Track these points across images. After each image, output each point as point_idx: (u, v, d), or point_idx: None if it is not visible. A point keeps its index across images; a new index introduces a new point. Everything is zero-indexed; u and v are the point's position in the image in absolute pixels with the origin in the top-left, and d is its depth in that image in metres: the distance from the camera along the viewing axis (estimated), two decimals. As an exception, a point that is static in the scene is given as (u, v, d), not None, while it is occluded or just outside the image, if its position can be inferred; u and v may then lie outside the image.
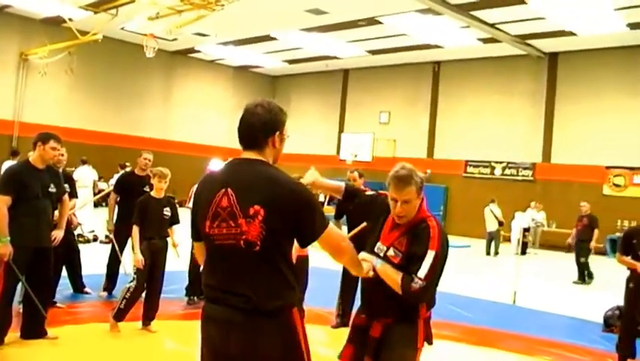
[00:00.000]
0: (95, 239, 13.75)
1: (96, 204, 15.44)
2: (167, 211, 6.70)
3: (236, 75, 31.48)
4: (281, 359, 2.69)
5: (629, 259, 6.38)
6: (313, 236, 2.74)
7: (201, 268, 2.91)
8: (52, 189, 5.84)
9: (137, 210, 6.57)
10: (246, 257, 2.65)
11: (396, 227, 3.37)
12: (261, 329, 2.65)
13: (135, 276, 6.43)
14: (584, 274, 13.70)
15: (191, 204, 7.76)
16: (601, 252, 19.52)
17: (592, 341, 7.77)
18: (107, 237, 13.58)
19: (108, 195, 9.04)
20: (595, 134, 21.64)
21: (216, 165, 25.63)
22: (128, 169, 16.83)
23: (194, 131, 29.32)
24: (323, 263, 3.65)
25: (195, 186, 7.71)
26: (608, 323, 8.26)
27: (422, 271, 3.17)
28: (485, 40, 21.78)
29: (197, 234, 2.86)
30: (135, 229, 6.50)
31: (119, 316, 6.41)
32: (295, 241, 2.77)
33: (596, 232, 13.63)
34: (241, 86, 31.68)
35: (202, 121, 29.72)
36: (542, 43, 21.79)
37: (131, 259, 6.53)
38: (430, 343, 3.44)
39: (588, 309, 9.72)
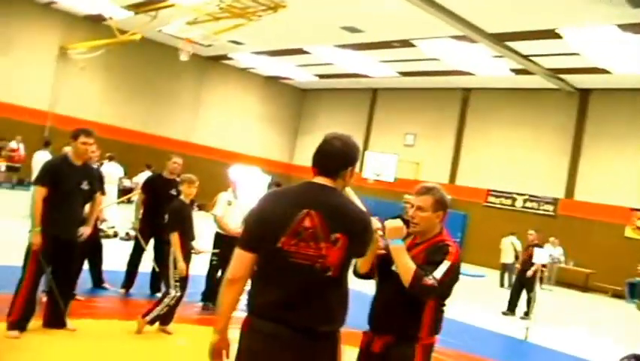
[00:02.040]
0: (116, 235, 13.92)
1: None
2: (193, 216, 6.83)
3: (266, 85, 31.73)
4: None
5: None
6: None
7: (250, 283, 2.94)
8: (85, 186, 6.00)
9: (175, 216, 6.57)
10: (318, 279, 2.77)
11: (416, 246, 3.46)
12: (314, 350, 2.78)
13: (178, 284, 6.46)
14: (514, 306, 12.55)
15: (218, 211, 7.95)
16: (619, 295, 19.40)
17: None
18: (127, 234, 13.82)
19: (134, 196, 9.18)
20: (622, 174, 21.46)
21: (237, 171, 25.73)
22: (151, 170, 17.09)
23: (219, 137, 29.58)
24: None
25: (225, 194, 7.86)
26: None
27: (437, 273, 3.24)
28: (517, 72, 21.79)
29: (252, 246, 2.88)
30: (176, 236, 6.45)
31: (154, 320, 6.48)
32: None
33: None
34: (270, 95, 31.95)
35: (228, 127, 29.96)
36: (575, 78, 21.75)
37: (172, 268, 6.49)
38: None
39: (600, 352, 9.65)
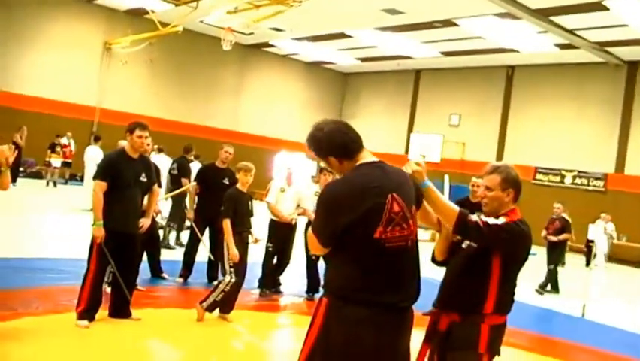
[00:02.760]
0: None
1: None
2: (250, 205, 6.91)
3: (308, 70, 31.77)
4: (409, 351, 3.00)
5: None
6: None
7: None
8: (144, 178, 6.16)
9: (228, 203, 6.62)
10: (411, 256, 2.91)
11: None
12: (406, 325, 2.95)
13: (232, 270, 6.52)
14: (554, 282, 12.24)
15: (271, 198, 8.05)
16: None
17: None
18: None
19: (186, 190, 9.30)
20: (673, 146, 21.00)
21: (284, 158, 25.84)
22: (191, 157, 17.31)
23: (263, 124, 29.74)
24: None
25: (277, 181, 7.95)
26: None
27: (487, 219, 3.25)
28: (562, 46, 21.39)
29: (333, 241, 2.92)
30: (227, 223, 6.52)
31: (212, 307, 6.57)
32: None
33: (565, 236, 12.33)
34: (312, 81, 31.98)
35: (271, 114, 30.12)
36: (622, 51, 21.25)
37: (226, 254, 6.55)
38: (495, 352, 3.36)
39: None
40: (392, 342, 2.89)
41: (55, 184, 20.83)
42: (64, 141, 21.58)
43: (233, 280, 6.53)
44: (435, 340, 3.41)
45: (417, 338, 3.18)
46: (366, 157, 3.04)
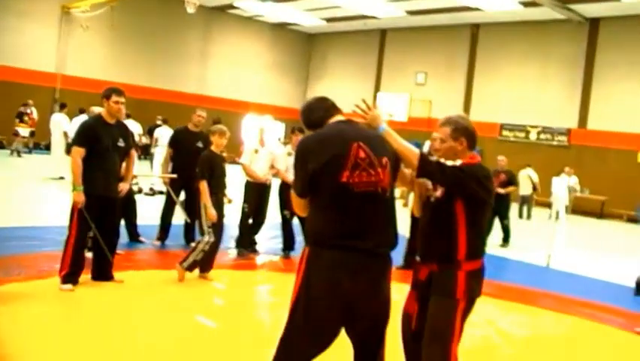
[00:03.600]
0: (140, 191, 14.20)
1: (139, 156, 15.91)
2: (224, 167, 7.05)
3: (274, 32, 31.58)
4: (390, 290, 3.20)
5: None
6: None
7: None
8: (121, 143, 6.24)
9: (204, 165, 6.77)
10: (383, 202, 3.08)
11: None
12: (383, 271, 3.13)
13: (210, 230, 6.70)
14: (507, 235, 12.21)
15: (245, 159, 8.18)
16: (633, 219, 19.69)
17: (625, 302, 8.07)
18: (151, 189, 14.16)
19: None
20: (633, 101, 21.53)
21: (252, 121, 25.76)
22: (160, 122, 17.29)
23: (230, 87, 29.60)
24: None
25: (251, 143, 8.08)
26: (641, 287, 8.51)
27: (444, 162, 3.50)
28: (526, 4, 21.59)
29: (307, 189, 3.13)
30: (204, 184, 6.67)
31: (192, 267, 6.77)
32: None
33: (512, 188, 12.36)
34: (278, 43, 31.83)
35: (238, 77, 29.97)
36: (584, 8, 21.57)
37: (204, 215, 6.71)
38: (472, 296, 3.51)
39: (621, 274, 9.94)
40: (369, 287, 3.07)
41: (19, 153, 20.44)
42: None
43: (212, 239, 6.71)
44: (417, 288, 3.65)
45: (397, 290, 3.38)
46: (340, 118, 3.32)
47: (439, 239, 3.51)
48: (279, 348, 3.13)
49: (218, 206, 6.85)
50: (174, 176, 8.51)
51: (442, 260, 3.50)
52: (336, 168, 3.03)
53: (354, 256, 3.02)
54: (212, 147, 7.00)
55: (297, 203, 3.24)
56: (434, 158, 3.55)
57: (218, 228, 6.85)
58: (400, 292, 3.79)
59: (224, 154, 7.18)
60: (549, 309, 7.37)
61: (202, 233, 6.78)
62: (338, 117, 3.29)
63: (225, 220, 7.10)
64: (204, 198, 6.68)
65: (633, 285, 8.79)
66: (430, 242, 3.57)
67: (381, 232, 3.10)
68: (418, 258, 3.70)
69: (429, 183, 3.59)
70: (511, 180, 12.39)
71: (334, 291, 3.02)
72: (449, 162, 3.51)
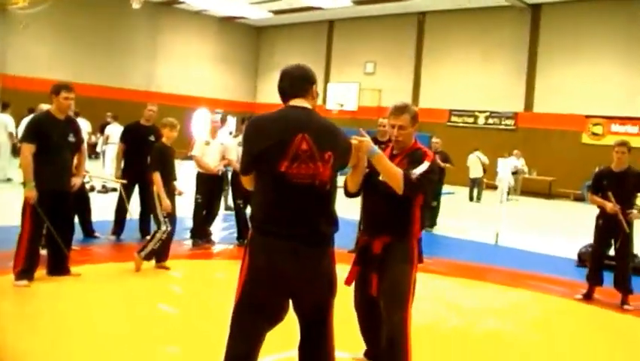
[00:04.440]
0: (92, 189, 14.11)
1: (90, 155, 15.78)
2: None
3: (221, 26, 31.50)
4: (334, 272, 3.32)
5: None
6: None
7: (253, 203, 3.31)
8: (72, 138, 6.28)
9: (157, 157, 6.92)
10: (318, 195, 3.18)
11: (395, 156, 3.96)
12: (323, 253, 3.24)
13: (166, 220, 6.86)
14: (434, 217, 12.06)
15: (197, 151, 8.27)
16: (579, 198, 20.32)
17: (567, 273, 8.51)
18: (103, 187, 14.08)
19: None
20: (575, 84, 22.22)
21: (203, 115, 25.50)
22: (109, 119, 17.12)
23: (179, 82, 29.49)
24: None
25: (202, 135, 8.14)
26: (582, 258, 8.92)
27: (418, 170, 3.74)
28: (470, -9, 22.04)
29: (250, 169, 3.24)
30: (157, 175, 6.81)
31: (150, 256, 6.92)
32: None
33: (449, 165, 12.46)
34: (226, 37, 31.78)
35: (187, 72, 29.86)
36: (525, -7, 22.15)
37: (158, 205, 6.84)
38: (421, 261, 3.99)
39: (565, 248, 10.36)
40: (306, 269, 3.18)
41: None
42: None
43: (169, 228, 6.85)
44: (371, 261, 3.92)
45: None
46: (297, 103, 3.30)
47: (395, 217, 3.86)
48: (231, 324, 3.27)
49: (171, 197, 7.00)
50: (124, 182, 8.58)
51: (398, 233, 3.88)
52: (276, 156, 3.11)
53: (288, 243, 3.13)
54: (164, 139, 7.12)
55: (243, 179, 3.37)
56: (410, 172, 3.73)
57: (172, 217, 6.98)
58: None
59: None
60: (497, 283, 7.69)
61: (158, 224, 6.90)
62: (295, 101, 3.29)
63: (179, 212, 7.21)
64: (158, 189, 6.82)
65: (576, 257, 9.21)
66: (387, 219, 3.89)
67: (314, 221, 3.18)
68: (365, 235, 4.02)
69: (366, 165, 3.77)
70: (447, 160, 12.51)
71: (273, 272, 3.16)
72: (419, 169, 3.75)
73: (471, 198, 18.85)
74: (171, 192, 7.04)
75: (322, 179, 3.16)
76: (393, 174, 3.70)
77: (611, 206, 6.82)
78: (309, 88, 3.33)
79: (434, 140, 12.82)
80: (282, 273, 3.15)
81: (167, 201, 6.79)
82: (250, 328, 3.25)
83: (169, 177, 7.00)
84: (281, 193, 3.14)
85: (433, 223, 11.85)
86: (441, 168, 11.70)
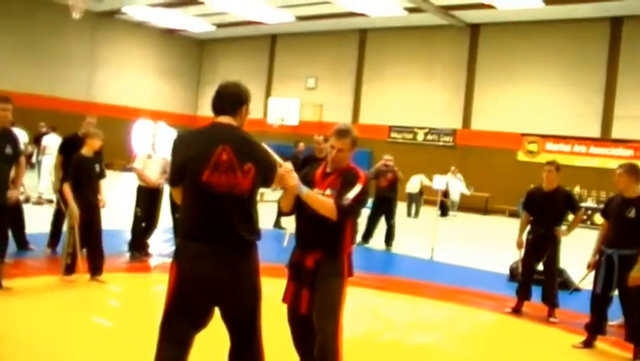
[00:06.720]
0: (28, 200, 13.81)
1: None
2: (97, 168, 7.24)
3: (164, 38, 31.31)
4: (256, 278, 3.44)
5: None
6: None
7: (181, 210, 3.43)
8: (8, 150, 6.18)
9: (70, 168, 7.04)
10: (239, 204, 3.32)
11: (328, 175, 4.09)
12: (243, 259, 3.36)
13: (73, 230, 6.91)
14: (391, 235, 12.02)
15: (138, 164, 8.26)
16: (514, 214, 20.92)
17: (498, 288, 8.77)
18: (39, 198, 13.79)
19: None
20: (512, 102, 22.98)
21: (144, 127, 25.19)
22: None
23: (119, 94, 29.15)
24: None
25: (144, 148, 8.14)
26: (513, 273, 9.22)
27: (351, 194, 3.89)
28: (410, 10, 22.49)
29: (178, 180, 3.38)
30: (67, 187, 6.94)
31: (69, 271, 6.94)
32: None
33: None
34: (168, 49, 31.61)
35: (128, 84, 29.56)
36: (464, 14, 22.81)
37: (67, 215, 6.94)
38: (351, 275, 4.11)
39: (497, 263, 10.68)
40: (229, 275, 3.30)
41: None
42: None
43: (77, 238, 6.90)
44: (304, 276, 4.02)
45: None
46: (224, 120, 3.46)
47: (327, 234, 3.97)
48: (160, 328, 3.39)
49: (89, 208, 7.00)
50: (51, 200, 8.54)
51: (329, 249, 4.00)
52: (198, 166, 3.27)
53: (209, 247, 3.28)
54: (83, 150, 7.15)
55: (172, 191, 3.51)
56: (343, 198, 3.86)
57: (89, 229, 7.00)
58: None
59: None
60: (430, 298, 7.90)
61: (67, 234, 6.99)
62: (222, 118, 3.45)
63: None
64: (68, 200, 6.91)
65: (507, 272, 9.53)
66: (318, 236, 3.99)
67: (234, 228, 3.30)
68: (298, 250, 4.11)
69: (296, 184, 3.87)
70: (398, 178, 12.37)
71: (197, 276, 3.29)
72: (352, 193, 3.89)
73: (409, 214, 19.17)
74: (89, 204, 7.05)
75: (242, 189, 3.31)
76: (325, 207, 3.84)
77: (518, 241, 7.47)
78: (237, 108, 3.48)
79: (386, 157, 12.58)
80: (204, 277, 3.28)
81: (76, 212, 6.85)
82: (178, 332, 3.36)
83: (88, 189, 7.04)
84: (204, 201, 3.29)
85: (388, 244, 11.83)
86: (394, 188, 12.18)
